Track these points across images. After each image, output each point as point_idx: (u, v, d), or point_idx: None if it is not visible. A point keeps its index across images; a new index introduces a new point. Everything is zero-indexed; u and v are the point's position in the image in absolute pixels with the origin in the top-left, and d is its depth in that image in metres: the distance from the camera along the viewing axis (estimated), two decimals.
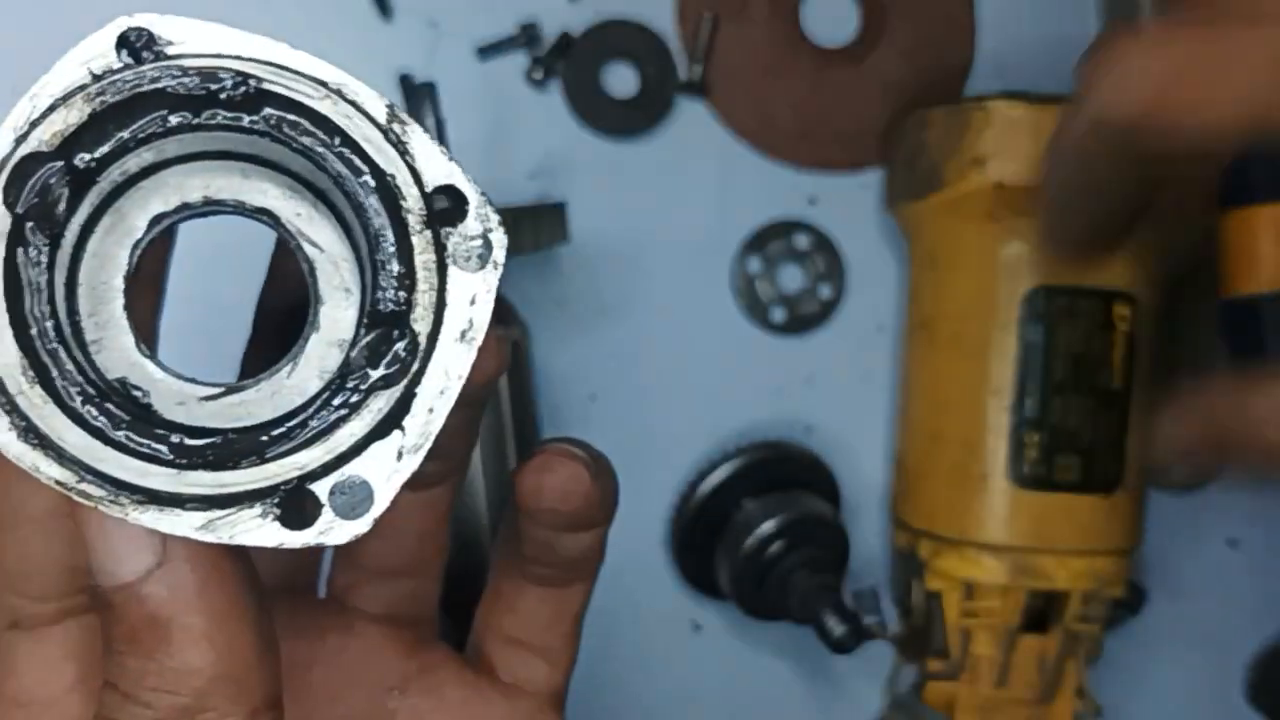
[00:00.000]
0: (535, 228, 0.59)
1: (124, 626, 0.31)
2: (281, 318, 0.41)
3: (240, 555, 0.32)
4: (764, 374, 0.67)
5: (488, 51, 0.64)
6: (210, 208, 0.31)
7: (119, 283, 0.31)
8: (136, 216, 0.31)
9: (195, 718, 0.32)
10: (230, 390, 0.30)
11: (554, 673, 0.45)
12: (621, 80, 0.65)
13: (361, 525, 0.29)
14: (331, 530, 0.29)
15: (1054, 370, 0.58)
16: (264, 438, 0.29)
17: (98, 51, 0.29)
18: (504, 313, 0.50)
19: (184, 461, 0.29)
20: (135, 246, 0.31)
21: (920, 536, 0.62)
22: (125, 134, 0.29)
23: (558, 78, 0.64)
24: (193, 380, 0.30)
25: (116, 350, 0.30)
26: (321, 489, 0.29)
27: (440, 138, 0.57)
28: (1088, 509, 0.59)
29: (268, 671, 0.33)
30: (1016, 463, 0.58)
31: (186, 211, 0.31)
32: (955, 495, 0.60)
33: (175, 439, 0.29)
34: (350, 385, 0.29)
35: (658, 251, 0.66)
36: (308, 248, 0.31)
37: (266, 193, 0.31)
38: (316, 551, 0.48)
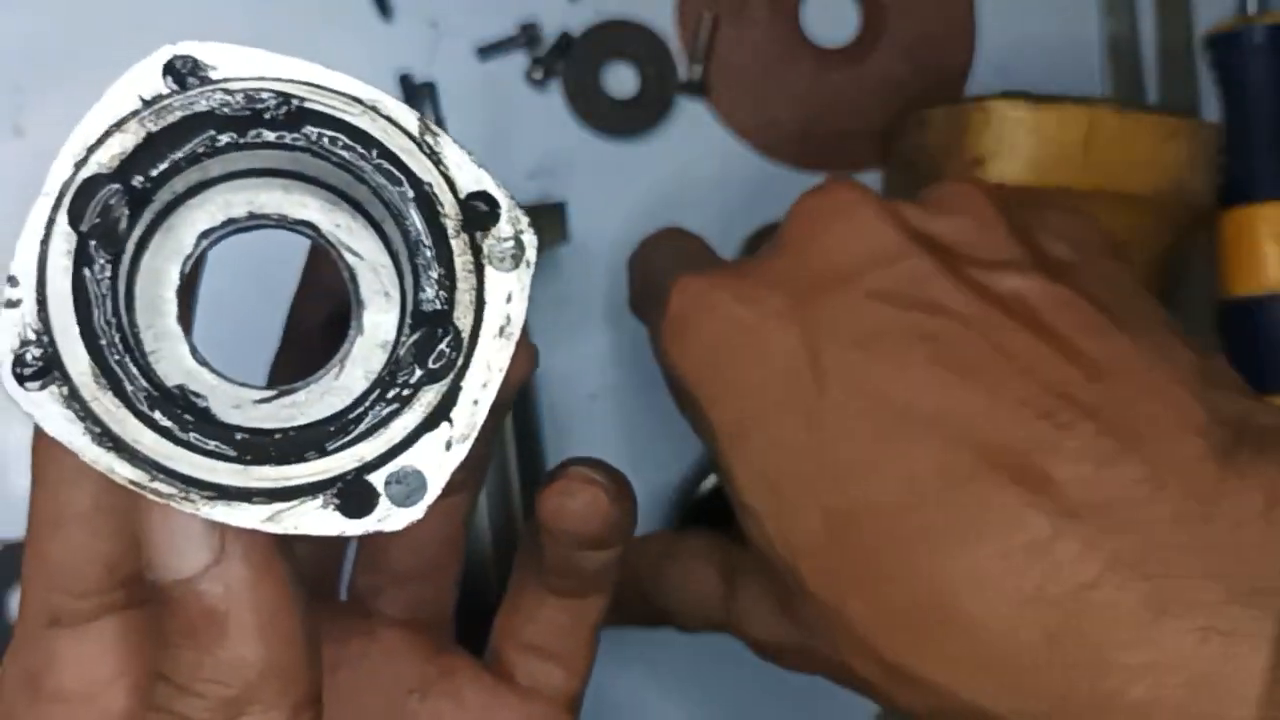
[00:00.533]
0: (535, 228, 0.59)
1: (180, 620, 0.33)
2: (315, 327, 0.44)
3: (289, 557, 0.34)
4: None
5: (488, 51, 0.64)
6: (254, 222, 0.33)
7: (171, 296, 0.33)
8: (185, 233, 0.33)
9: (244, 709, 0.33)
10: (284, 393, 0.32)
11: (571, 678, 0.46)
12: (621, 80, 0.65)
13: (416, 512, 0.32)
14: (389, 518, 0.31)
15: None
16: (323, 433, 0.31)
17: (146, 78, 0.31)
18: None
19: (249, 458, 0.31)
20: (185, 261, 0.33)
21: None
22: (178, 154, 0.31)
23: (558, 78, 0.64)
24: (246, 385, 0.32)
25: (173, 359, 0.32)
26: (378, 479, 0.31)
27: None
28: None
29: (313, 668, 0.34)
30: None
31: (232, 227, 0.33)
32: None
33: (240, 438, 0.31)
34: (400, 381, 0.32)
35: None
36: (348, 256, 0.33)
37: (307, 206, 0.33)
38: (340, 556, 0.49)
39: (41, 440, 0.37)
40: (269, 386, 0.33)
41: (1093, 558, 0.37)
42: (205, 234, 0.33)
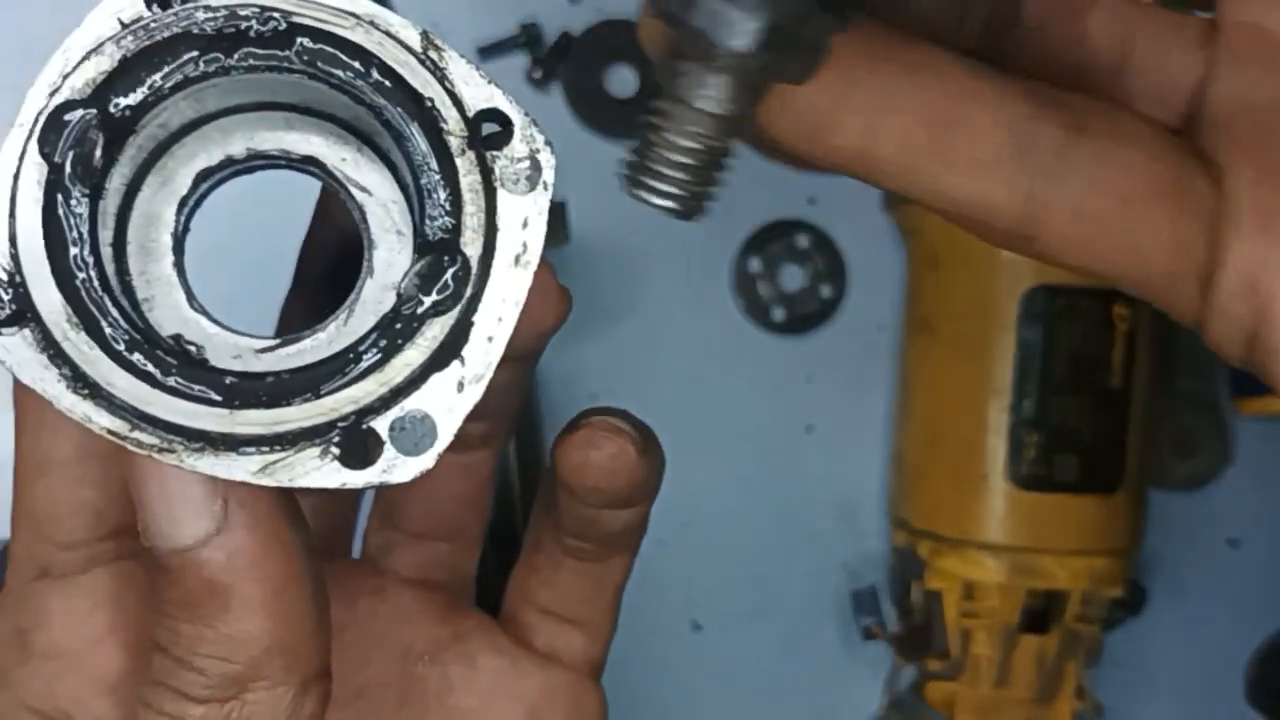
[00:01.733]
0: None
1: (179, 591, 0.31)
2: (325, 272, 0.40)
3: (300, 525, 0.32)
4: (764, 374, 0.67)
5: (488, 51, 0.64)
6: (255, 161, 0.31)
7: (167, 240, 0.30)
8: (181, 174, 0.31)
9: (248, 686, 0.31)
10: (287, 341, 0.30)
11: (593, 644, 0.43)
12: (621, 80, 0.65)
13: (425, 461, 0.29)
14: (395, 468, 0.28)
15: (1053, 370, 0.58)
16: (319, 375, 0.28)
17: (127, 3, 0.29)
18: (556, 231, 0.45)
19: (236, 402, 0.28)
20: (182, 204, 0.31)
21: (920, 536, 0.62)
22: (158, 78, 0.29)
23: (558, 78, 0.64)
24: (248, 334, 0.30)
25: (169, 307, 0.30)
26: (382, 425, 0.28)
27: None
28: (1087, 509, 0.59)
29: (321, 642, 0.32)
30: (1016, 463, 0.58)
31: (231, 167, 0.31)
32: (955, 495, 0.60)
33: (229, 382, 0.28)
34: (404, 314, 0.29)
35: (658, 251, 0.66)
36: (356, 193, 0.31)
37: (310, 141, 0.31)
38: (352, 513, 0.47)
39: (21, 388, 0.34)
40: (273, 336, 0.30)
41: None
42: (203, 175, 0.31)
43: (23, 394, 0.35)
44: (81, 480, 0.35)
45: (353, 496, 0.46)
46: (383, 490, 0.43)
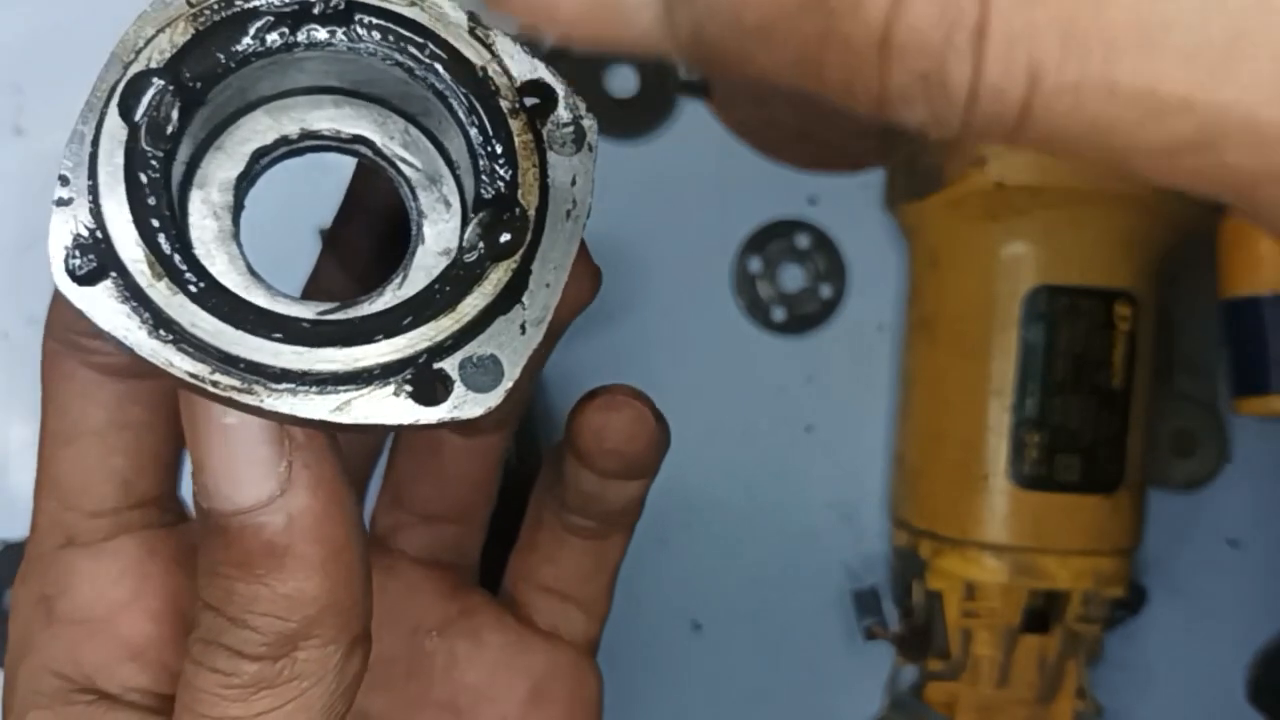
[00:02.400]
0: None
1: (237, 551, 0.31)
2: (365, 249, 0.41)
3: (352, 490, 0.33)
4: (764, 374, 0.67)
5: None
6: (307, 141, 0.33)
7: (226, 215, 0.32)
8: (237, 152, 0.32)
9: (299, 644, 0.32)
10: (344, 306, 0.31)
11: (591, 623, 0.44)
12: (621, 80, 0.65)
13: (493, 398, 0.30)
14: (464, 404, 0.30)
15: (1055, 370, 0.58)
16: (391, 318, 0.30)
17: None
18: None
19: (314, 341, 0.29)
20: (238, 182, 0.32)
21: (921, 536, 0.62)
22: (230, 52, 0.31)
23: None
24: (307, 300, 0.31)
25: (230, 280, 0.31)
26: (451, 366, 0.30)
27: None
28: (1088, 509, 0.59)
29: (368, 605, 0.33)
30: (1017, 462, 0.58)
31: (285, 147, 0.33)
32: (956, 495, 0.60)
33: (305, 325, 0.30)
34: (468, 262, 0.31)
35: (658, 251, 0.66)
36: (406, 169, 0.33)
37: (360, 121, 0.33)
38: (360, 492, 0.47)
39: (53, 358, 0.36)
40: (330, 302, 0.32)
41: None
42: (259, 154, 0.32)
43: (51, 368, 0.36)
44: (113, 449, 0.36)
45: (365, 475, 0.47)
46: (397, 468, 0.44)
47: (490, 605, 0.44)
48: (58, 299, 0.36)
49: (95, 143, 0.30)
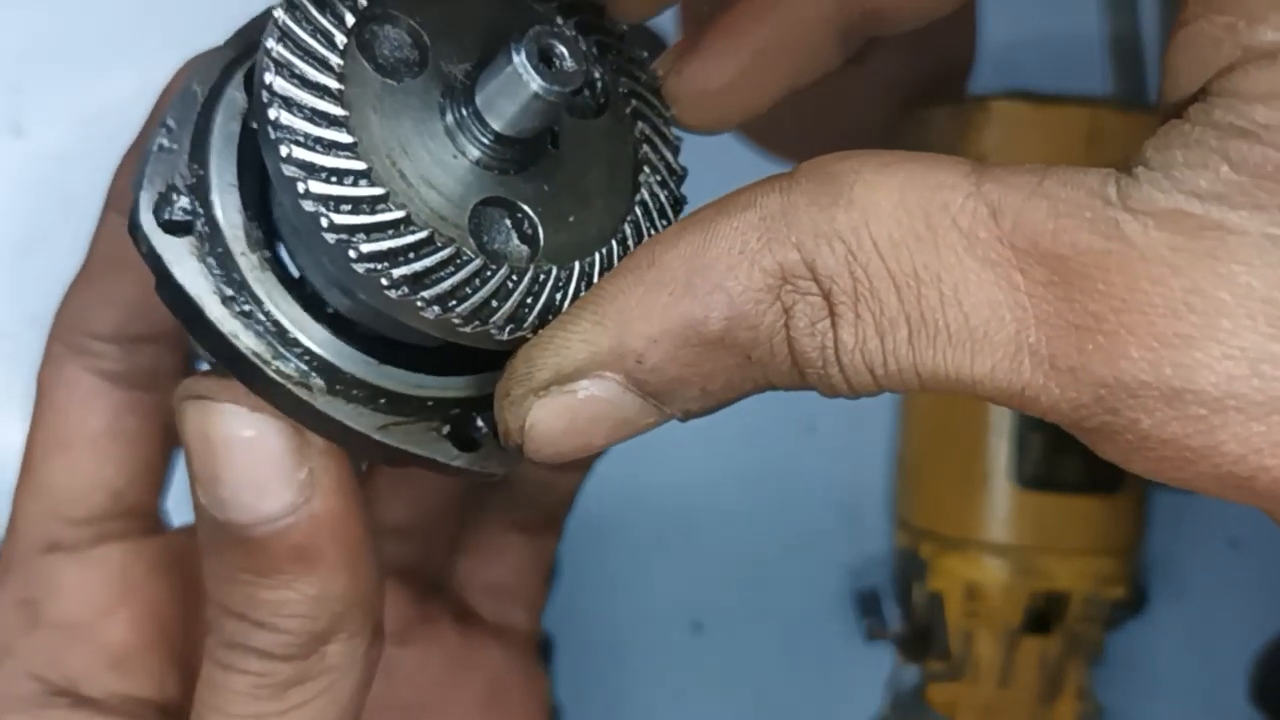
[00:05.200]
0: None
1: (258, 559, 0.31)
2: None
3: (359, 486, 0.33)
4: None
5: None
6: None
7: None
8: None
9: (328, 640, 0.32)
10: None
11: (531, 617, 0.46)
12: None
13: (514, 460, 0.30)
14: (490, 460, 0.30)
15: None
16: (458, 358, 0.30)
17: None
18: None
19: (380, 358, 0.29)
20: None
21: (922, 537, 0.61)
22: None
23: None
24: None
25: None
26: (488, 421, 0.30)
27: None
28: (1090, 509, 0.59)
29: (382, 592, 0.34)
30: (1019, 463, 0.58)
31: None
32: (958, 495, 0.60)
33: (374, 340, 0.29)
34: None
35: None
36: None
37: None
38: None
39: (55, 361, 0.36)
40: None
41: None
42: None
43: (52, 371, 0.36)
44: (107, 458, 0.36)
45: None
46: (375, 483, 0.45)
47: (446, 610, 0.46)
48: (68, 299, 0.36)
49: (211, 106, 0.29)
